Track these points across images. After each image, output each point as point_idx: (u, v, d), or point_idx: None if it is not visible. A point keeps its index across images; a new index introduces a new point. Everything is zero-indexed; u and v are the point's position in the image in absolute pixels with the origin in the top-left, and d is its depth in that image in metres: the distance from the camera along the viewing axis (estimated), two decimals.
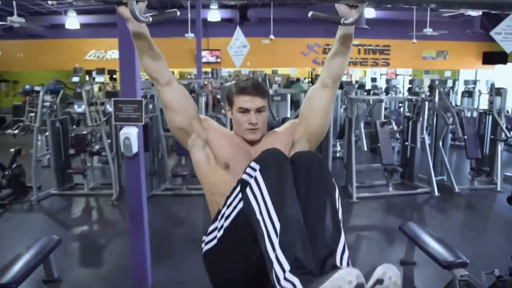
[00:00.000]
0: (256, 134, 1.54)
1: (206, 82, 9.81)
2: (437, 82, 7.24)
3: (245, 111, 1.52)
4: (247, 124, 1.52)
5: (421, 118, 5.48)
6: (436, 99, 5.58)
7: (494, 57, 11.76)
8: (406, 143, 5.62)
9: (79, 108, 5.76)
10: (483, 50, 12.11)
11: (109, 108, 5.87)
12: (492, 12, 1.24)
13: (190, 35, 9.77)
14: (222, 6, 10.75)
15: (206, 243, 1.45)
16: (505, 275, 2.25)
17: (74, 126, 6.32)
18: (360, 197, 5.11)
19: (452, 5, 1.23)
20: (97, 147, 5.80)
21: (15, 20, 5.87)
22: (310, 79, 13.77)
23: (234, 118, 1.56)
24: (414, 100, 5.64)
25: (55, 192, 5.33)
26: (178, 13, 1.34)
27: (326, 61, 1.52)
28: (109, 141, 5.55)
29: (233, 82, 1.61)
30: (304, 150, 1.41)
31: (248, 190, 1.23)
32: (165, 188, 5.56)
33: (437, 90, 5.67)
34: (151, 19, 1.14)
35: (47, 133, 5.98)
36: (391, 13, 10.89)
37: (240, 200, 1.28)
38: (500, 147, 5.62)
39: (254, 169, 1.25)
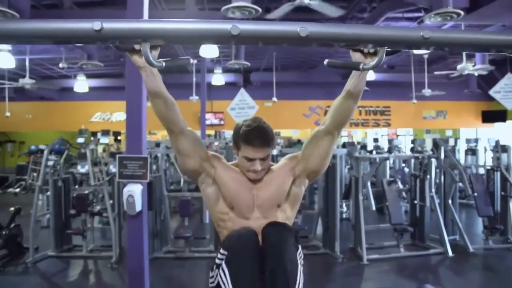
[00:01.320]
0: (258, 177, 1.64)
1: (209, 143, 9.85)
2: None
3: (251, 160, 1.60)
4: (251, 169, 1.61)
5: (428, 176, 5.40)
6: (442, 156, 5.54)
7: (493, 115, 11.93)
8: (415, 202, 5.48)
9: (82, 168, 5.73)
10: (482, 109, 12.33)
11: (113, 168, 5.85)
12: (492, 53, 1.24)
13: (194, 97, 10.03)
14: (226, 71, 11.12)
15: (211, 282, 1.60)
16: None
17: (77, 186, 6.24)
18: (370, 259, 4.88)
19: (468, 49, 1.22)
20: (98, 207, 5.69)
21: (27, 82, 6.04)
22: None
23: (239, 159, 1.65)
24: (420, 157, 5.59)
25: (52, 253, 5.12)
26: (191, 60, 1.34)
27: (333, 108, 1.54)
28: (111, 201, 5.44)
29: (241, 124, 1.65)
30: (274, 227, 1.54)
31: (219, 271, 1.47)
32: (167, 250, 5.35)
33: (442, 147, 5.65)
34: (164, 64, 1.12)
35: (48, 193, 5.89)
36: (390, 75, 11.22)
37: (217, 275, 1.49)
38: (511, 203, 5.47)
39: (223, 255, 1.48)
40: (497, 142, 5.86)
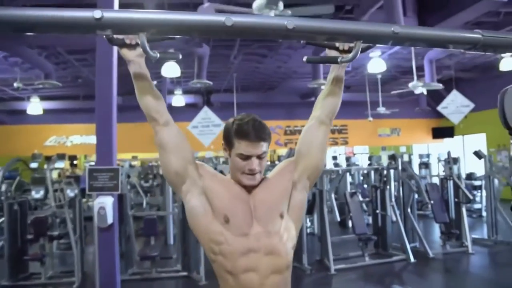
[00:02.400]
0: (254, 180, 1.43)
1: None
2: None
3: (246, 158, 1.40)
4: (246, 170, 1.41)
5: (388, 187, 5.65)
6: (400, 167, 5.82)
7: (442, 131, 12.71)
8: (377, 212, 5.69)
9: (37, 194, 5.47)
10: (432, 126, 13.09)
11: (70, 192, 5.65)
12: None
13: None
14: (186, 92, 11.15)
15: None
16: None
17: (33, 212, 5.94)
18: (337, 269, 4.99)
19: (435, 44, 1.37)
20: (56, 232, 5.44)
21: None
22: (271, 160, 14.06)
23: (232, 161, 1.44)
24: (380, 168, 5.84)
25: (6, 283, 4.81)
26: (180, 56, 1.40)
27: (319, 101, 1.57)
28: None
29: (232, 120, 1.48)
30: None
31: None
32: (132, 272, 5.18)
33: (399, 160, 5.95)
34: (158, 55, 1.17)
35: (2, 219, 5.58)
36: (347, 95, 11.69)
37: None
38: (464, 209, 5.81)
39: None
40: (449, 153, 6.25)
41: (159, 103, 1.43)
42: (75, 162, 11.02)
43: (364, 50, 1.34)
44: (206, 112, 6.43)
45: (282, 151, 13.59)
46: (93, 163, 10.13)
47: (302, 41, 1.37)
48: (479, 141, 11.20)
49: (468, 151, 10.68)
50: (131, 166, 6.19)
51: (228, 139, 1.45)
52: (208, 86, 8.62)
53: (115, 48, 3.04)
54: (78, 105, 11.08)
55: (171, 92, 10.32)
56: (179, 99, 10.41)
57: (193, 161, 1.45)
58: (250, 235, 1.38)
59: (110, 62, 2.96)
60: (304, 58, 1.45)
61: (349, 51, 1.41)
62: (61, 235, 5.32)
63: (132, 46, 1.31)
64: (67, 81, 9.25)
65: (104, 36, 1.19)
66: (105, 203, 2.72)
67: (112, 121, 2.79)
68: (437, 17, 6.04)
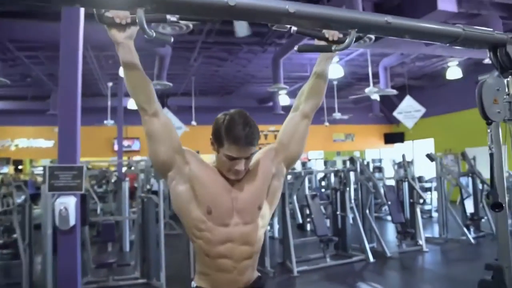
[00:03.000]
0: (240, 176, 1.48)
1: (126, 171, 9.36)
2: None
3: (233, 159, 1.43)
4: (233, 169, 1.45)
5: (347, 188, 5.79)
6: (358, 170, 5.99)
7: (393, 137, 13.29)
8: (337, 213, 5.80)
9: None
10: (384, 131, 13.64)
11: (17, 199, 5.27)
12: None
13: (110, 121, 9.58)
14: None
15: None
16: None
17: None
18: (300, 271, 5.02)
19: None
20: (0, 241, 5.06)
21: None
22: None
23: (220, 157, 1.46)
24: (341, 171, 5.97)
25: None
26: (172, 39, 1.35)
27: (304, 93, 1.58)
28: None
29: (223, 117, 1.47)
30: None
31: None
32: (87, 281, 4.91)
33: (358, 162, 6.12)
34: (154, 34, 1.12)
35: None
36: None
37: None
38: (419, 210, 6.07)
39: None
40: (403, 156, 6.52)
41: (150, 92, 1.42)
42: (20, 167, 10.32)
43: (356, 40, 1.35)
44: (167, 114, 6.26)
45: None
46: (41, 168, 9.53)
47: (292, 30, 1.37)
48: (427, 146, 11.81)
49: (417, 156, 11.25)
50: (88, 168, 5.89)
51: (217, 137, 1.45)
52: (165, 89, 8.44)
53: (81, 40, 2.89)
54: (26, 106, 10.43)
55: (127, 95, 10.00)
56: (133, 102, 10.12)
57: (180, 150, 1.47)
58: (230, 225, 1.46)
59: (75, 49, 2.80)
60: (295, 47, 1.45)
61: (337, 41, 1.43)
62: (7, 244, 4.95)
63: (122, 27, 1.26)
64: (15, 79, 8.69)
65: (94, 12, 1.12)
66: (67, 204, 2.55)
67: (76, 113, 2.64)
68: None
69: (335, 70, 7.70)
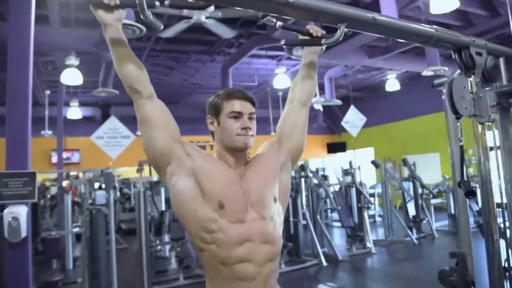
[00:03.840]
0: (249, 140, 1.34)
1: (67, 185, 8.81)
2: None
3: (238, 115, 1.34)
4: (240, 130, 1.33)
5: (299, 195, 5.89)
6: (310, 177, 6.14)
7: (336, 146, 13.82)
8: (290, 219, 5.88)
9: None
10: (327, 141, 14.12)
11: None
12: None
13: (47, 132, 9.01)
14: (82, 104, 10.35)
15: None
16: None
17: None
18: None
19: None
20: None
21: None
22: None
23: (223, 126, 1.35)
24: (292, 177, 6.07)
25: None
26: (162, 27, 1.31)
27: (297, 84, 1.58)
28: None
29: (215, 94, 1.43)
30: None
31: None
32: None
33: (308, 169, 6.27)
34: (151, 17, 1.08)
35: None
36: None
37: None
38: (366, 214, 6.33)
39: None
40: (350, 163, 6.79)
41: (142, 73, 1.31)
42: None
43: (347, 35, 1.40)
44: (113, 122, 6.00)
45: None
46: None
47: (278, 25, 1.38)
48: (368, 154, 12.39)
49: (359, 164, 11.78)
50: None
51: (215, 107, 1.38)
52: (109, 98, 8.09)
53: (32, 43, 2.70)
54: None
55: (67, 104, 9.47)
56: (75, 112, 9.61)
57: (179, 140, 1.33)
58: (246, 221, 1.28)
59: (26, 51, 2.61)
60: (282, 41, 1.46)
61: (320, 38, 1.46)
62: None
63: (110, 8, 1.20)
64: None
65: None
66: (18, 213, 2.34)
67: (27, 115, 2.45)
68: None
69: (282, 81, 7.86)
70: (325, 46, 1.40)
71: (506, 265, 1.80)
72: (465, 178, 1.56)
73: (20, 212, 2.37)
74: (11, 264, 2.42)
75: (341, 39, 1.32)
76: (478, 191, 1.86)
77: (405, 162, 7.09)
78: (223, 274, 1.26)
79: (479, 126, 1.80)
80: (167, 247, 6.80)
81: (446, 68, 6.16)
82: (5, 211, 2.35)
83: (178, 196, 1.30)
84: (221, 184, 1.29)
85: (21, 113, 2.46)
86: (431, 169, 9.70)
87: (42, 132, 8.91)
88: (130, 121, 9.64)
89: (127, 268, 5.82)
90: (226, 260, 1.25)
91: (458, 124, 1.60)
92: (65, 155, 11.09)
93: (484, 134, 1.85)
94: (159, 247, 6.56)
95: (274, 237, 1.32)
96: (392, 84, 8.99)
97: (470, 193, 1.49)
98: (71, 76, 6.35)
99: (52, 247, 4.49)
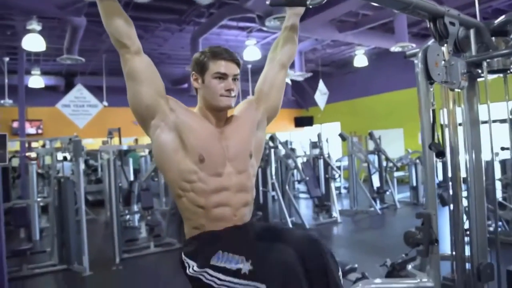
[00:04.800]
0: (231, 101, 1.43)
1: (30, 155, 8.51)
2: None
3: (222, 76, 1.40)
4: (224, 91, 1.40)
5: (269, 165, 6.01)
6: (280, 147, 6.25)
7: (303, 121, 14.02)
8: (260, 189, 6.00)
9: None
10: (294, 115, 14.29)
11: None
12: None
13: (8, 101, 8.61)
14: (44, 73, 9.91)
15: (190, 272, 1.30)
16: (398, 259, 2.60)
17: None
18: None
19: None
20: None
21: None
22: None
23: (207, 85, 1.42)
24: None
25: None
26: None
27: (279, 46, 1.63)
28: None
29: (201, 51, 1.47)
30: (314, 242, 1.33)
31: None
32: None
33: (277, 140, 6.37)
34: None
35: None
36: None
37: None
38: (333, 185, 6.55)
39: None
40: (319, 135, 6.95)
41: (130, 27, 1.33)
42: None
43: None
44: (80, 91, 5.82)
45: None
46: None
47: None
48: (334, 129, 12.67)
49: (325, 138, 12.05)
50: None
51: (201, 65, 1.43)
52: (73, 66, 7.80)
53: None
54: None
55: (27, 72, 9.04)
56: (37, 80, 9.21)
57: (164, 95, 1.40)
58: (224, 175, 1.39)
59: None
60: (267, 1, 1.49)
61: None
62: None
63: None
64: None
65: None
66: None
67: None
68: (307, 11, 6.64)
69: (252, 53, 7.84)
70: (310, 6, 1.43)
71: (466, 227, 1.99)
72: (436, 141, 1.67)
73: None
74: None
75: (324, 1, 1.37)
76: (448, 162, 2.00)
77: (371, 135, 7.33)
78: (201, 215, 1.37)
79: (450, 95, 1.91)
80: (136, 216, 6.81)
81: (414, 45, 6.35)
82: None
83: (161, 149, 1.38)
84: (202, 139, 1.39)
85: None
86: (395, 144, 10.09)
87: (2, 101, 8.50)
88: (96, 92, 9.42)
89: (95, 238, 5.80)
90: (204, 205, 1.36)
91: (431, 89, 1.70)
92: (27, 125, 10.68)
93: (454, 103, 1.97)
94: (128, 216, 6.54)
95: (248, 187, 1.46)
96: (360, 60, 9.16)
97: (440, 154, 1.61)
98: (33, 42, 6.07)
99: (19, 216, 4.39)
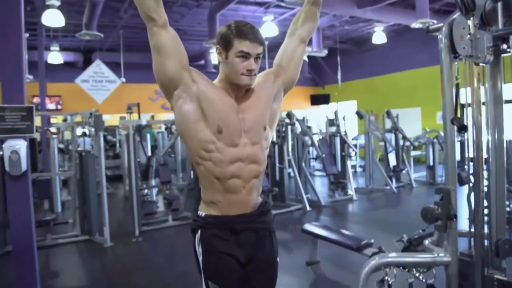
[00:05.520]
0: (252, 80, 1.46)
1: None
2: None
3: (245, 56, 1.42)
4: (245, 70, 1.42)
5: (286, 142, 6.02)
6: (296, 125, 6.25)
7: (319, 98, 13.89)
8: (277, 166, 6.04)
9: None
10: (310, 93, 14.17)
11: None
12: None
13: (28, 77, 8.72)
14: (63, 49, 10.00)
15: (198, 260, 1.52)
16: (415, 235, 2.62)
17: None
18: None
19: None
20: None
21: None
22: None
23: (230, 62, 1.44)
24: (279, 125, 6.17)
25: None
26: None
27: (300, 20, 1.63)
28: None
29: (227, 24, 1.47)
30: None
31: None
32: None
33: (294, 117, 6.36)
34: None
35: None
36: None
37: None
38: (349, 163, 6.56)
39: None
40: (336, 113, 6.91)
41: (158, 1, 1.35)
42: None
43: None
44: (99, 66, 5.88)
45: (169, 115, 13.22)
46: None
47: None
48: (351, 107, 12.55)
49: (342, 116, 11.98)
50: None
51: (226, 41, 1.43)
52: (91, 43, 7.84)
53: None
54: None
55: (46, 48, 9.13)
56: (56, 56, 9.30)
57: (187, 67, 1.43)
58: (239, 145, 1.45)
59: None
60: None
61: None
62: None
63: None
64: None
65: None
66: (18, 147, 2.37)
67: (21, 45, 2.41)
68: None
69: (269, 29, 7.74)
70: None
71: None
72: (460, 115, 1.66)
73: (21, 145, 2.39)
74: (14, 196, 2.48)
75: None
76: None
77: (388, 114, 7.25)
78: (216, 186, 1.46)
79: (475, 71, 1.87)
80: (154, 191, 6.96)
81: (435, 21, 6.18)
82: (4, 145, 2.37)
83: (183, 118, 1.44)
84: (221, 111, 1.44)
85: (15, 44, 2.41)
86: (412, 123, 9.97)
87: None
88: (113, 68, 9.49)
89: (115, 212, 5.97)
90: (220, 175, 1.44)
91: (456, 63, 1.68)
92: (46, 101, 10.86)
93: (478, 80, 1.93)
94: (146, 191, 6.67)
95: (260, 158, 1.51)
96: (379, 37, 8.96)
97: (463, 128, 1.60)
98: (53, 18, 6.12)
99: (43, 188, 4.54)
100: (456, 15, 1.85)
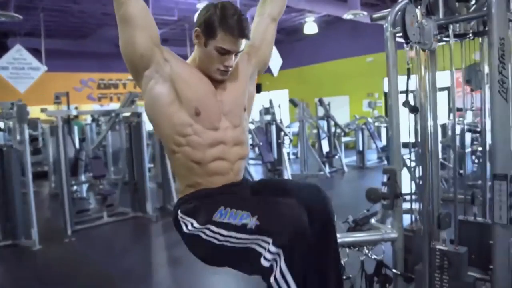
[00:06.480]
0: (227, 76, 1.38)
1: None
2: None
3: (225, 52, 1.31)
4: (221, 66, 1.33)
5: None
6: None
7: None
8: None
9: None
10: None
11: None
12: None
13: None
14: None
15: (187, 229, 1.29)
16: (359, 216, 2.75)
17: None
18: None
19: None
20: None
21: None
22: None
23: (208, 52, 1.32)
24: None
25: None
26: None
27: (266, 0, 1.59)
28: None
29: (213, 6, 1.31)
30: (320, 202, 1.35)
31: (273, 281, 1.12)
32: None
33: None
34: None
35: None
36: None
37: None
38: (285, 150, 6.70)
39: (278, 255, 1.11)
40: (271, 101, 7.00)
41: None
42: None
43: None
44: (19, 52, 5.33)
45: (94, 106, 12.46)
46: None
47: None
48: (282, 96, 12.82)
49: (277, 105, 12.20)
50: None
51: (209, 28, 1.30)
52: (7, 26, 7.07)
53: None
54: None
55: None
56: None
57: (159, 44, 1.31)
58: (220, 129, 1.36)
59: None
60: None
61: None
62: None
63: None
64: None
65: None
66: None
67: None
68: None
69: None
70: None
71: None
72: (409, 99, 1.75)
73: None
74: None
75: None
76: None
77: (321, 102, 7.51)
78: (196, 171, 1.34)
79: (422, 57, 1.98)
80: (84, 187, 6.56)
81: (365, 13, 6.49)
82: None
83: (155, 101, 1.32)
84: (198, 92, 1.33)
85: None
86: (341, 110, 10.45)
87: None
88: (34, 55, 8.72)
89: (42, 211, 5.52)
90: (201, 160, 1.33)
91: (407, 49, 1.76)
92: None
93: (425, 67, 2.04)
94: (75, 187, 6.26)
95: (243, 140, 1.43)
96: (310, 27, 9.22)
97: (414, 109, 1.69)
98: None
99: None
100: (403, 3, 1.94)
